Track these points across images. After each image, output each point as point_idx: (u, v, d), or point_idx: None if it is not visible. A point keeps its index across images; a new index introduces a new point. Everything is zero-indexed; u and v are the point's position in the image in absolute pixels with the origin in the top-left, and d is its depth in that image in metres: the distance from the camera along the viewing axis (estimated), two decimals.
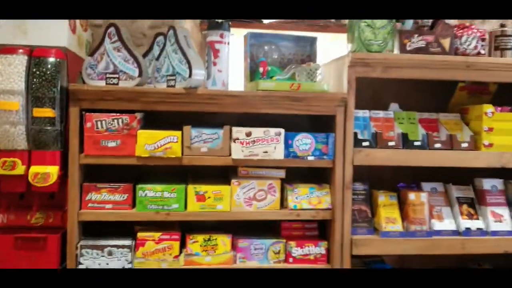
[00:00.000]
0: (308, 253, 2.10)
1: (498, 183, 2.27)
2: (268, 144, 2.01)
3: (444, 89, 2.38)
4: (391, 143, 2.12)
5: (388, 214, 2.16)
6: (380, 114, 2.23)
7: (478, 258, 2.26)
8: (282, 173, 2.10)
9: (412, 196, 2.16)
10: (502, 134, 2.15)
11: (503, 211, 2.21)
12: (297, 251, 2.09)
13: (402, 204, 2.19)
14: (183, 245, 2.02)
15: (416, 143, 2.14)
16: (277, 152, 2.02)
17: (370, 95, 2.29)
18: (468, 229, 2.16)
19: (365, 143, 2.11)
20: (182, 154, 1.97)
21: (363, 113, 2.20)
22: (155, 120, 2.08)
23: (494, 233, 2.16)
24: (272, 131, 2.02)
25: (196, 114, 2.01)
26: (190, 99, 1.95)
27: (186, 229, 2.07)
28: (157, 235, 1.97)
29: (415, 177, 2.30)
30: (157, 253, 1.96)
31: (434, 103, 2.39)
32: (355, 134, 2.10)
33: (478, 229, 2.16)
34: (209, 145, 1.99)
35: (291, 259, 2.09)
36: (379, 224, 2.14)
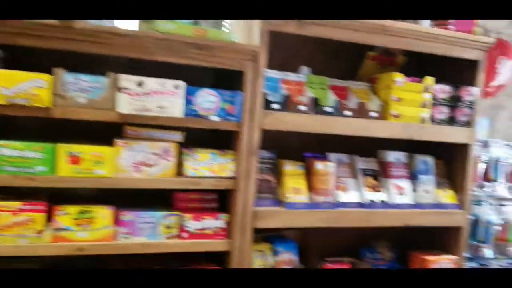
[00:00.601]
0: (206, 227, 1.83)
1: (401, 155, 2.22)
2: (164, 98, 1.68)
3: (356, 57, 2.26)
4: (302, 108, 1.92)
5: (294, 184, 1.98)
6: (291, 76, 2.03)
7: (381, 231, 2.19)
8: (179, 135, 1.79)
9: (319, 165, 2.00)
10: (410, 105, 2.09)
11: (406, 184, 2.16)
12: (193, 225, 1.82)
13: (308, 175, 2.02)
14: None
15: (327, 109, 1.97)
16: (175, 109, 1.71)
17: (281, 58, 2.08)
18: (372, 201, 2.07)
19: (275, 106, 1.89)
20: (53, 104, 1.55)
21: (274, 74, 1.98)
22: (21, 60, 1.61)
23: (397, 205, 2.10)
24: (170, 83, 1.70)
25: (75, 55, 1.60)
26: (66, 34, 1.54)
27: (58, 199, 1.67)
28: (15, 204, 1.55)
29: (320, 147, 2.15)
30: (15, 227, 1.54)
31: (345, 71, 2.26)
32: (265, 95, 1.86)
33: (381, 201, 2.09)
34: (89, 96, 1.61)
35: (185, 234, 1.80)
36: (284, 195, 1.95)
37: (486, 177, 2.44)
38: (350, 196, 2.06)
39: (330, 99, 2.02)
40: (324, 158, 2.09)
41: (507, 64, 2.69)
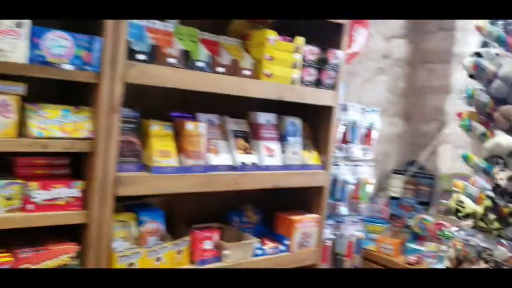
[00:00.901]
0: (57, 197, 1.55)
1: (271, 117, 2.17)
2: (2, 39, 1.33)
3: None
4: (171, 60, 1.72)
5: (161, 147, 1.79)
6: (158, 25, 1.81)
7: (248, 194, 2.13)
8: (21, 87, 1.46)
9: (190, 126, 1.84)
10: (282, 65, 2.04)
11: (275, 145, 2.13)
12: (40, 195, 1.52)
13: (177, 136, 1.85)
14: None
15: (199, 64, 1.80)
16: (16, 53, 1.37)
17: None
18: (243, 164, 1.99)
19: (140, 57, 1.65)
20: None
21: (138, 20, 1.73)
22: None
23: (267, 167, 2.06)
24: (8, 21, 1.35)
25: None
26: None
27: None
28: None
29: (187, 107, 1.99)
30: None
31: (214, 24, 2.10)
32: (129, 43, 1.62)
33: (252, 163, 2.03)
34: None
35: (31, 206, 1.50)
36: (150, 158, 1.75)
37: (344, 139, 2.55)
38: (221, 159, 1.95)
39: (202, 54, 1.85)
40: (193, 119, 1.93)
41: (361, 32, 2.83)
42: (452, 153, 3.17)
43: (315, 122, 2.30)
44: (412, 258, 2.66)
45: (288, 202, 2.32)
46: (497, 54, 1.09)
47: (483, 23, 1.06)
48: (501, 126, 1.01)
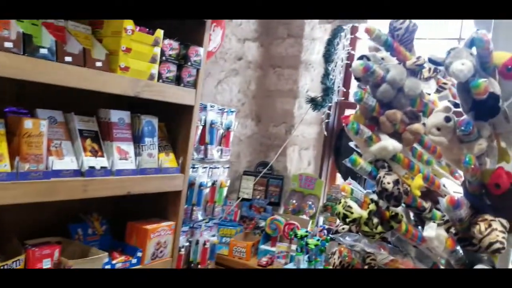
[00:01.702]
0: None
1: (125, 115, 1.96)
2: None
3: None
4: (8, 45, 1.41)
5: None
6: None
7: (94, 202, 1.88)
8: None
9: (28, 124, 1.53)
10: (139, 58, 1.84)
11: (129, 147, 1.93)
12: None
13: (11, 136, 1.53)
14: None
15: (42, 51, 1.51)
16: None
17: None
18: (92, 168, 1.75)
19: None
20: None
21: None
22: None
23: (119, 172, 1.85)
24: None
25: None
26: None
27: None
28: None
29: (24, 102, 1.67)
30: None
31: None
32: None
33: (102, 168, 1.79)
34: None
35: None
36: None
37: (202, 141, 2.46)
38: (66, 162, 1.68)
39: (45, 39, 1.55)
40: (32, 115, 1.62)
41: (218, 31, 2.78)
42: (298, 154, 3.33)
43: (173, 122, 2.15)
44: (264, 259, 2.69)
45: (142, 210, 2.12)
46: (382, 58, 1.11)
47: (373, 26, 1.07)
48: (386, 130, 1.02)
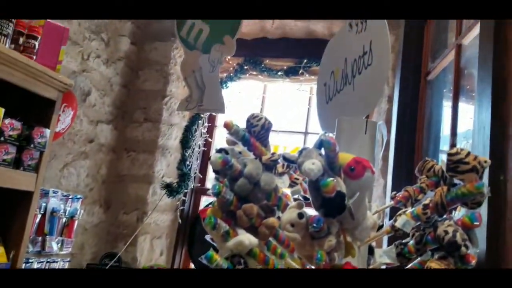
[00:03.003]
0: None
1: None
2: None
3: None
4: None
5: None
6: None
7: None
8: None
9: None
10: None
11: None
12: None
13: None
14: None
15: None
16: None
17: None
18: None
19: None
20: None
21: None
22: None
23: None
24: None
25: None
26: None
27: None
28: None
29: None
30: None
31: None
32: None
33: None
34: None
35: None
36: None
37: (40, 231, 2.18)
38: None
39: None
40: None
41: (69, 113, 2.63)
42: (150, 243, 3.17)
43: (8, 210, 1.88)
44: None
45: None
46: (240, 153, 1.13)
47: (231, 121, 1.09)
48: (243, 224, 1.02)
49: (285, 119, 3.41)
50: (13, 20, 1.81)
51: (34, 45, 1.89)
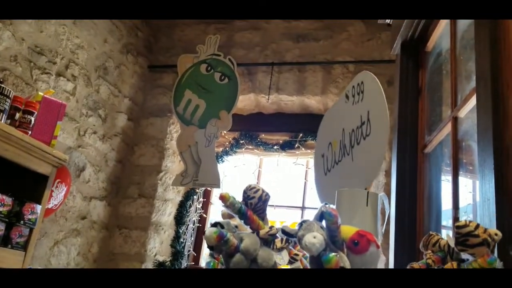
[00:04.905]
0: None
1: None
2: None
3: None
4: None
5: None
6: None
7: None
8: None
9: None
10: None
11: None
12: None
13: None
14: None
15: None
16: None
17: None
18: None
19: None
20: None
21: None
22: None
23: None
24: None
25: None
26: None
27: None
28: None
29: None
30: None
31: None
32: None
33: None
34: None
35: None
36: None
37: None
38: None
39: None
40: None
41: (62, 189, 2.59)
42: None
43: None
44: None
45: None
46: (236, 226, 1.08)
47: (227, 193, 1.05)
48: None
49: (281, 193, 3.37)
50: (10, 96, 1.83)
51: (30, 120, 1.89)
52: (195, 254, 3.22)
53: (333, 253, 0.86)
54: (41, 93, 2.02)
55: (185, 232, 3.15)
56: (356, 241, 0.92)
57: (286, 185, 3.42)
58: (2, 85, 1.82)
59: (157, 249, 3.12)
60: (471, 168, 1.94)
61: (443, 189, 2.30)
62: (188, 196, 3.24)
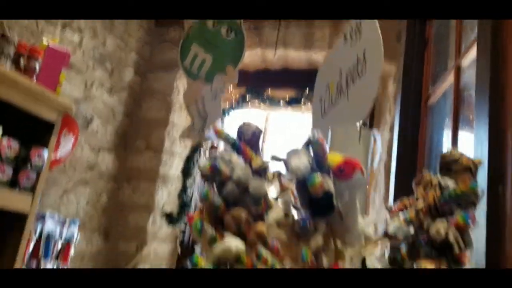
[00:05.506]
0: None
1: None
2: None
3: None
4: None
5: None
6: None
7: None
8: None
9: None
10: None
11: None
12: None
13: None
14: None
15: None
16: None
17: None
18: None
19: None
20: None
21: None
22: None
23: None
24: None
25: None
26: None
27: None
28: None
29: None
30: None
31: None
32: None
33: None
34: None
35: None
36: None
37: (34, 254, 2.14)
38: None
39: None
40: None
41: (70, 138, 2.64)
42: None
43: (1, 232, 1.86)
44: None
45: None
46: (230, 159, 1.12)
47: (222, 129, 1.09)
48: (230, 230, 0.99)
49: (287, 148, 3.40)
50: (14, 42, 1.86)
51: (35, 67, 1.92)
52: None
53: (318, 174, 0.89)
54: (45, 42, 2.05)
55: (192, 185, 3.22)
56: (341, 168, 0.95)
57: (292, 141, 3.45)
58: (6, 32, 1.84)
59: (164, 200, 3.20)
60: (471, 119, 1.94)
61: (444, 142, 2.31)
62: (194, 150, 3.28)
